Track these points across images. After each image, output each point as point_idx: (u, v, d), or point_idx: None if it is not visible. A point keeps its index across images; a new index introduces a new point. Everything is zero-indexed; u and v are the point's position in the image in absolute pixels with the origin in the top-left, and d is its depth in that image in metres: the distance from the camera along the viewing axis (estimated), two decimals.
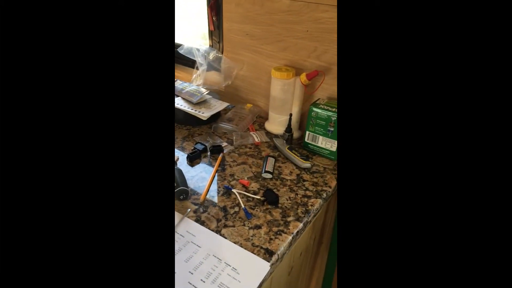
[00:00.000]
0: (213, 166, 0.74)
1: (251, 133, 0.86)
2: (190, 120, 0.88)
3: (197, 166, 0.74)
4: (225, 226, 0.57)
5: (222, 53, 1.00)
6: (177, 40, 1.13)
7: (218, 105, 0.92)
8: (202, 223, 0.58)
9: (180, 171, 0.68)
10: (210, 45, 1.03)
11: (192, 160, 0.75)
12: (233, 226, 0.57)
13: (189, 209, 0.60)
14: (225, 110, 0.96)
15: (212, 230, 0.56)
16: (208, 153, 0.78)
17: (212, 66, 1.00)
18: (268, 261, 0.51)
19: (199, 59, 1.00)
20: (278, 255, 0.52)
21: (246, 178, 0.70)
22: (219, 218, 0.59)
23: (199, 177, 0.70)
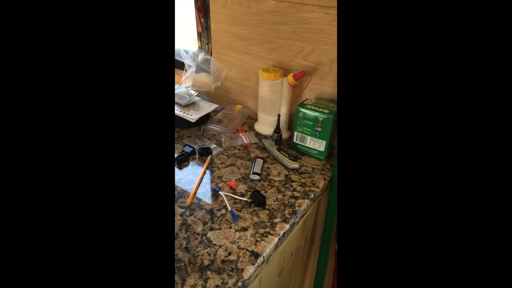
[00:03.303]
0: (201, 168, 0.73)
1: (240, 134, 0.86)
2: (179, 122, 0.88)
3: (185, 169, 0.74)
4: (211, 229, 0.57)
5: (210, 54, 1.00)
6: None
7: (207, 107, 0.92)
8: (188, 226, 0.58)
9: None
10: (199, 47, 1.03)
11: (180, 162, 0.75)
12: (219, 229, 0.57)
13: None
14: (215, 111, 0.95)
15: (198, 233, 0.56)
16: (197, 156, 0.78)
17: (201, 67, 1.00)
18: (254, 264, 0.51)
19: (187, 61, 0.99)
20: (263, 257, 0.52)
21: (234, 180, 0.70)
22: (206, 221, 0.59)
23: (186, 180, 0.70)
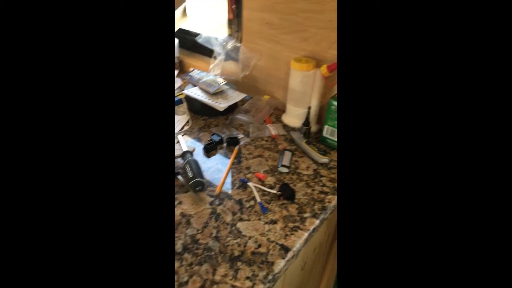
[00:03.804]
0: (229, 158, 0.73)
1: (267, 125, 0.85)
2: (207, 110, 0.88)
3: (213, 158, 0.73)
4: (241, 219, 0.57)
5: (240, 42, 0.98)
6: (200, 29, 1.11)
7: (235, 96, 0.91)
8: (218, 215, 0.57)
9: (196, 162, 0.67)
10: (229, 34, 1.02)
11: (208, 151, 0.75)
12: (249, 220, 0.57)
13: None
14: (242, 101, 0.94)
15: (228, 223, 0.56)
16: (224, 145, 0.78)
17: (230, 56, 0.99)
18: (284, 258, 0.50)
19: (217, 49, 0.98)
20: (293, 251, 0.52)
21: (262, 172, 0.69)
22: (235, 211, 0.58)
23: (215, 168, 0.70)
